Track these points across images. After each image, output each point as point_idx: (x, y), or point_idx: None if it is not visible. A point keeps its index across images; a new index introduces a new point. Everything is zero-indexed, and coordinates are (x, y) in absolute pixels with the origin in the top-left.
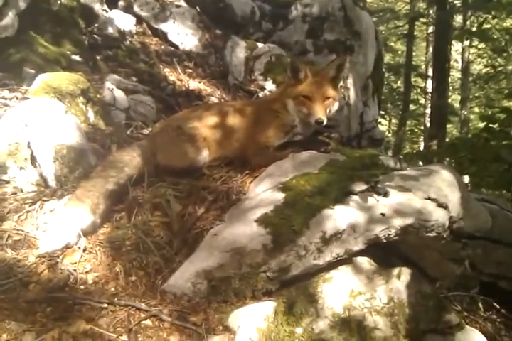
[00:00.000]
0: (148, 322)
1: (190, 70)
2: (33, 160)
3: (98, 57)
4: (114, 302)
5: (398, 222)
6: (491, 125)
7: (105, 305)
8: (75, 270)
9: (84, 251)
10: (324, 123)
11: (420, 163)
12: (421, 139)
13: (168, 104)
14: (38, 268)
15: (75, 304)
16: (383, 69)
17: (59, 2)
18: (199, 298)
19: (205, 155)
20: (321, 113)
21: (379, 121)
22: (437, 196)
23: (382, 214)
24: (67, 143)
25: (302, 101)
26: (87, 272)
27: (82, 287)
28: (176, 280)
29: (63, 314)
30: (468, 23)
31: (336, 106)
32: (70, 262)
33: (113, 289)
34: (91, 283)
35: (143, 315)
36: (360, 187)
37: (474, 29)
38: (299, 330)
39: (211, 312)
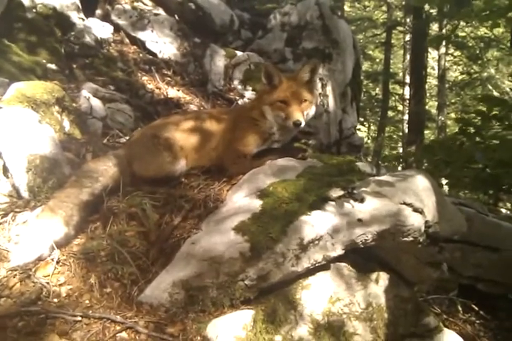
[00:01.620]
0: (123, 334)
1: (168, 78)
2: (5, 170)
3: (74, 66)
4: (89, 314)
5: (375, 227)
6: (466, 127)
7: (79, 318)
8: (47, 283)
9: (57, 263)
10: (302, 124)
11: (399, 168)
12: (399, 145)
13: (146, 112)
14: (9, 281)
15: (47, 318)
16: (361, 77)
17: (34, 10)
18: (176, 309)
19: (182, 164)
20: (298, 115)
21: (358, 127)
22: (413, 201)
23: (359, 220)
24: (40, 153)
25: (279, 107)
26: (60, 285)
27: (55, 300)
28: (152, 290)
29: (35, 328)
30: (444, 31)
31: (313, 110)
32: (42, 275)
33: (87, 301)
34: (64, 296)
35: (118, 328)
36: (337, 193)
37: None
38: (278, 338)
39: (189, 323)
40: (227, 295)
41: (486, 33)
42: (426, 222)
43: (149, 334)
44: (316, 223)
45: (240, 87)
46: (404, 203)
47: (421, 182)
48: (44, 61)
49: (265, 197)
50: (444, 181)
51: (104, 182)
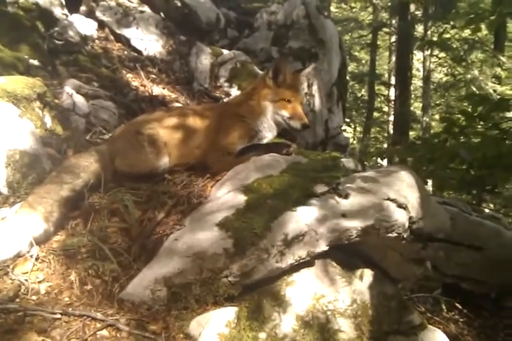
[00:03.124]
0: (104, 332)
1: (153, 76)
2: None
3: (58, 62)
4: (68, 312)
5: (359, 223)
6: (450, 126)
7: (58, 316)
8: (26, 280)
9: (36, 259)
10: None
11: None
12: (385, 145)
13: (130, 109)
14: None
15: (26, 315)
16: (347, 77)
17: (16, 5)
18: (158, 306)
19: (165, 161)
20: (305, 117)
21: (344, 128)
22: (397, 196)
23: (344, 216)
24: (20, 148)
25: (283, 105)
26: (39, 282)
27: (34, 297)
28: (134, 287)
29: (13, 326)
30: (429, 32)
31: None
32: (21, 272)
33: (67, 299)
34: (43, 293)
35: (99, 325)
36: (321, 189)
37: (435, 39)
38: (262, 335)
39: (171, 320)
40: (210, 292)
41: (470, 35)
42: (410, 217)
43: (131, 332)
44: (301, 219)
45: (226, 85)
46: (389, 199)
47: (405, 178)
48: (26, 57)
49: (249, 192)
50: (429, 182)
51: (86, 178)
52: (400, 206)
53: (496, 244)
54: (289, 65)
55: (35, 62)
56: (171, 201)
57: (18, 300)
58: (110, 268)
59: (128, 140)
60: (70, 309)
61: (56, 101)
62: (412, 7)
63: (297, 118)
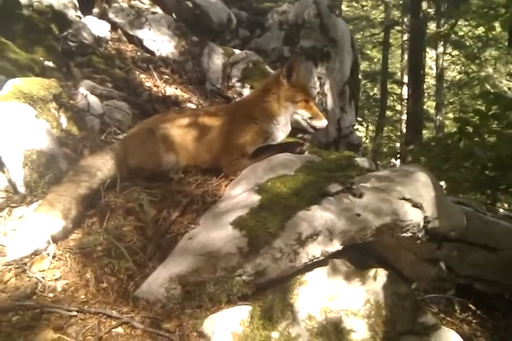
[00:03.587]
0: (119, 329)
1: (166, 76)
2: (1, 165)
3: (72, 64)
4: (84, 310)
5: (374, 223)
6: (464, 126)
7: (74, 313)
8: (43, 277)
9: (53, 257)
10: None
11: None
12: (398, 145)
13: (144, 109)
14: (4, 276)
15: (42, 312)
16: (359, 76)
17: (31, 8)
18: (173, 304)
19: (172, 158)
20: (323, 116)
21: (356, 127)
22: (412, 196)
23: (358, 215)
24: (37, 148)
25: (303, 105)
26: (56, 279)
27: (50, 295)
28: (148, 285)
29: (30, 323)
30: (442, 30)
31: None
32: (38, 269)
33: (83, 296)
34: (60, 291)
35: (114, 323)
36: (335, 188)
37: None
38: (275, 334)
39: (185, 318)
40: (224, 291)
41: (483, 33)
42: (425, 217)
43: (145, 330)
44: (315, 218)
45: (238, 85)
46: (404, 198)
47: (420, 178)
48: (41, 59)
49: (263, 192)
50: (442, 183)
51: (102, 177)
52: (415, 205)
53: (511, 244)
54: (302, 64)
55: (50, 64)
56: (186, 200)
57: (35, 297)
58: (125, 267)
59: (140, 138)
60: (86, 306)
61: (71, 102)
62: (424, 5)
63: (318, 118)
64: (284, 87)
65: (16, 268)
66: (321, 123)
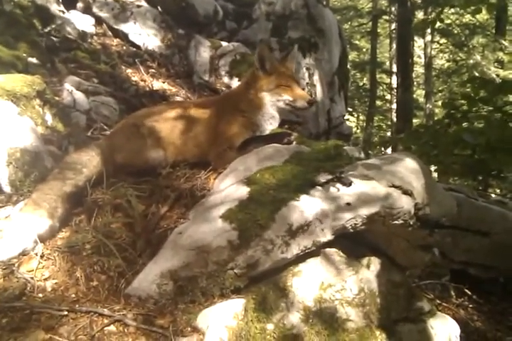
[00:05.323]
0: (112, 328)
1: (153, 70)
2: None
3: (56, 59)
4: (75, 309)
5: (364, 211)
6: (452, 111)
7: (65, 313)
8: (32, 278)
9: (41, 257)
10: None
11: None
12: (388, 134)
13: (131, 104)
14: None
15: (32, 313)
16: (348, 66)
17: (12, 3)
18: (165, 300)
19: (160, 153)
20: (307, 95)
21: (347, 118)
22: (402, 183)
23: (348, 204)
24: (20, 146)
25: (282, 90)
26: (45, 279)
27: (40, 295)
28: (140, 282)
29: (20, 324)
30: (428, 18)
31: None
32: (26, 270)
33: (73, 296)
34: (50, 291)
35: (106, 321)
36: (325, 177)
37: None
38: (270, 326)
39: (178, 314)
40: (216, 285)
41: (471, 20)
42: (415, 204)
43: (138, 327)
44: (305, 208)
45: (226, 77)
46: (393, 186)
47: (409, 165)
48: (24, 55)
49: (252, 184)
50: (432, 168)
51: (88, 174)
52: (405, 193)
53: (503, 228)
54: (271, 51)
55: (34, 60)
56: (174, 195)
57: (24, 298)
58: (115, 264)
59: (125, 133)
60: (77, 305)
61: (56, 98)
62: None
63: (300, 98)
64: (260, 78)
65: (4, 269)
66: (302, 103)
